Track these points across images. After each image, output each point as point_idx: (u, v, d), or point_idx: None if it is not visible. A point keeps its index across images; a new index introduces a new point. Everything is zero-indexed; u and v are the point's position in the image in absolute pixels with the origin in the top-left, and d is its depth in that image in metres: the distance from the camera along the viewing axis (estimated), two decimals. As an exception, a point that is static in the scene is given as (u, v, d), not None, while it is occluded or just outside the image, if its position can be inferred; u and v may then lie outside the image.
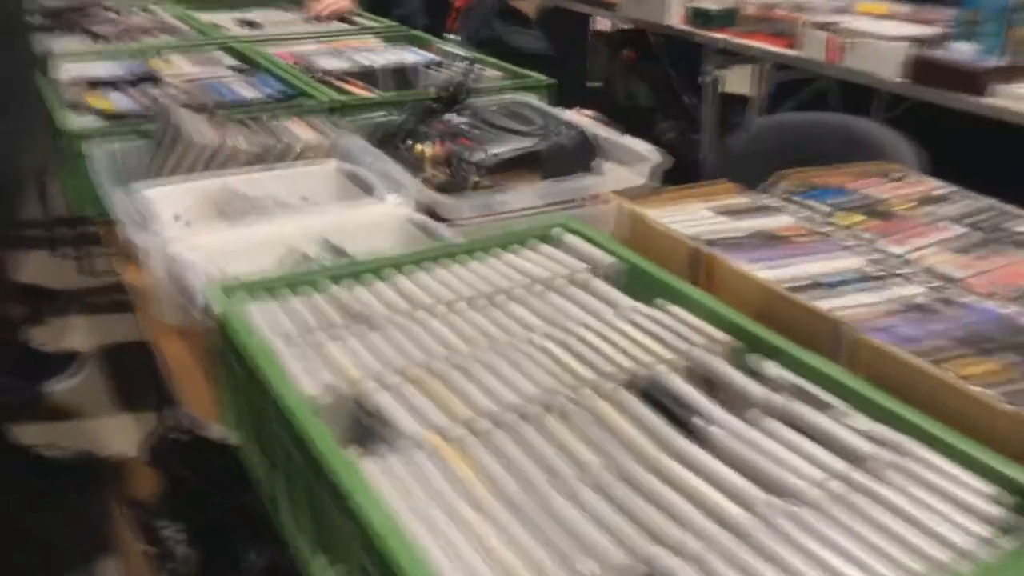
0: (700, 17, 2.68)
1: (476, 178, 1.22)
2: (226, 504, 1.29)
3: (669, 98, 3.58)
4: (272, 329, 0.76)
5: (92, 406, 2.17)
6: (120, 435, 2.01)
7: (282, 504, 0.73)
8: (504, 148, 1.29)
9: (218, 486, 1.31)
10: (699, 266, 0.89)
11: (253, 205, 1.17)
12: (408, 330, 0.76)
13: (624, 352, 0.73)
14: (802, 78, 2.56)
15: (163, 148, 1.22)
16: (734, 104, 3.16)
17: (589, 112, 1.79)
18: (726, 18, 2.66)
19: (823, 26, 2.35)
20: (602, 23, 3.82)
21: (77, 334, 2.49)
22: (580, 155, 1.28)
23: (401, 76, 1.76)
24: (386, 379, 0.69)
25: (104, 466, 1.89)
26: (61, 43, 1.92)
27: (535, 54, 2.44)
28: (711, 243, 0.91)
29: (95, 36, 2.03)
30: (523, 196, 1.19)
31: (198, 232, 1.08)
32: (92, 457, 1.93)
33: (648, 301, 0.82)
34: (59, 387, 2.21)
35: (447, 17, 2.97)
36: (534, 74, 1.67)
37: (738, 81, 3.60)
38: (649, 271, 0.86)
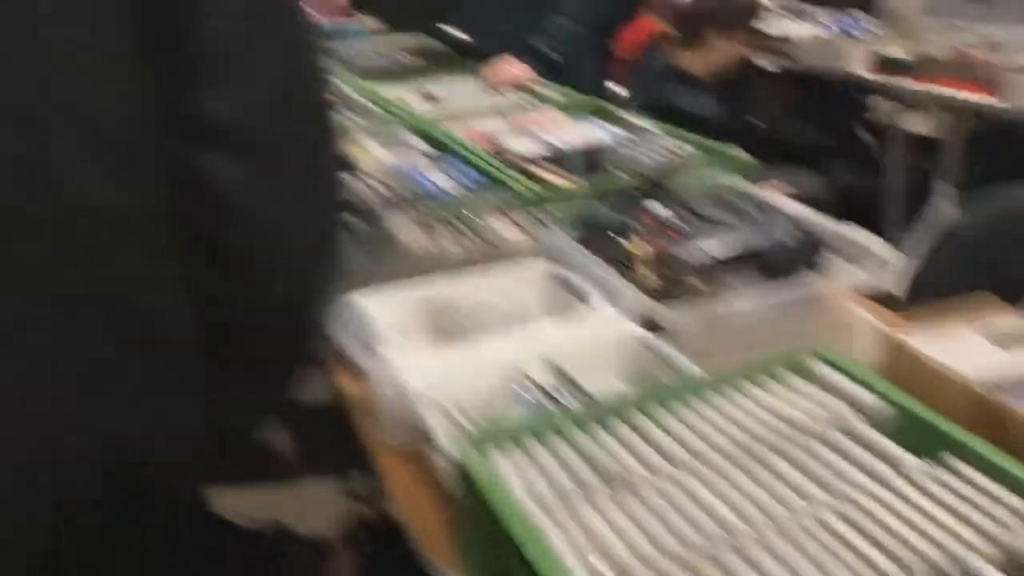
0: (892, 64, 2.53)
1: (693, 281, 1.16)
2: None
3: (841, 138, 3.40)
4: (525, 489, 0.72)
5: (282, 470, 2.22)
6: (312, 507, 2.04)
7: None
8: (719, 245, 1.22)
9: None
10: (987, 416, 0.80)
11: (466, 315, 1.15)
12: (671, 496, 0.71)
13: (925, 535, 0.64)
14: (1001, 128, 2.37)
15: (375, 254, 1.22)
16: (912, 146, 2.97)
17: (780, 184, 1.70)
18: (920, 65, 2.50)
19: (1036, 73, 2.16)
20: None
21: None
22: (803, 251, 1.20)
23: (591, 155, 1.72)
24: (660, 566, 0.64)
25: (299, 543, 1.91)
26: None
27: (709, 119, 2.36)
28: (999, 387, 0.81)
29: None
30: (747, 302, 1.12)
31: (417, 351, 1.07)
32: (286, 531, 1.96)
33: (923, 453, 0.74)
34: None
35: (606, 60, 2.93)
36: (732, 150, 1.60)
37: (918, 122, 3.40)
38: (929, 421, 0.77)
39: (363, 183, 1.57)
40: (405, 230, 1.23)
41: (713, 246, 1.23)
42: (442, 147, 1.79)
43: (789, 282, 1.16)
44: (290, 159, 0.65)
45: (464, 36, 2.89)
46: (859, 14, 2.91)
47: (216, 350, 0.65)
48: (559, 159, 1.69)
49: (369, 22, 3.19)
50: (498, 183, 1.54)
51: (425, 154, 1.76)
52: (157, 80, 0.59)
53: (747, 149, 2.51)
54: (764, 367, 0.89)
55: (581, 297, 1.12)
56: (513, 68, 2.29)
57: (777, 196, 1.39)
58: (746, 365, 0.89)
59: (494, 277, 1.20)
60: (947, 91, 2.40)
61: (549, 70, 2.32)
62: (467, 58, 2.67)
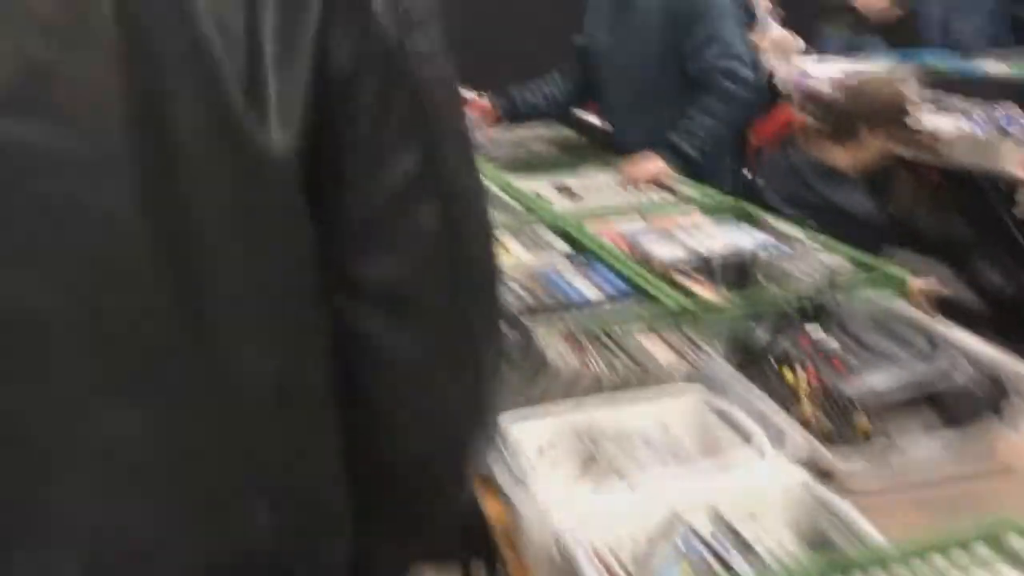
0: (1050, 166, 2.39)
1: (863, 422, 1.09)
2: None
3: (992, 233, 3.22)
4: None
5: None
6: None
7: None
8: (890, 382, 1.14)
9: None
10: None
11: (618, 444, 1.11)
12: None
13: None
14: None
15: (524, 373, 1.20)
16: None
17: (932, 283, 1.60)
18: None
19: None
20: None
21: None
22: (987, 395, 1.11)
23: (740, 265, 1.67)
24: None
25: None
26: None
27: (857, 215, 2.27)
28: None
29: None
30: (926, 451, 1.04)
31: (567, 483, 1.04)
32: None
33: None
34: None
35: (742, 149, 2.88)
36: (891, 266, 1.52)
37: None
38: None
39: (506, 287, 1.57)
40: (553, 346, 1.21)
41: (883, 382, 1.15)
42: (582, 247, 1.78)
43: (972, 430, 1.07)
44: (455, 326, 0.64)
45: (601, 124, 2.90)
46: (1015, 110, 2.77)
47: (365, 499, 0.64)
48: (706, 267, 1.65)
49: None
50: (643, 293, 1.51)
51: (566, 255, 1.74)
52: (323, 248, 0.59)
53: (892, 242, 2.41)
54: (957, 539, 0.81)
55: (744, 436, 1.07)
56: (652, 164, 2.27)
57: (948, 326, 1.30)
58: (937, 536, 0.82)
59: (647, 404, 1.16)
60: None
61: (687, 166, 2.29)
62: (603, 149, 2.67)
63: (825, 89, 3.35)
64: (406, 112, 0.58)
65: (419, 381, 0.63)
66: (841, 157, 2.36)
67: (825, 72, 3.67)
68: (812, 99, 3.38)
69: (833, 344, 1.25)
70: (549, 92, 2.74)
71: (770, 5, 3.33)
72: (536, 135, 3.00)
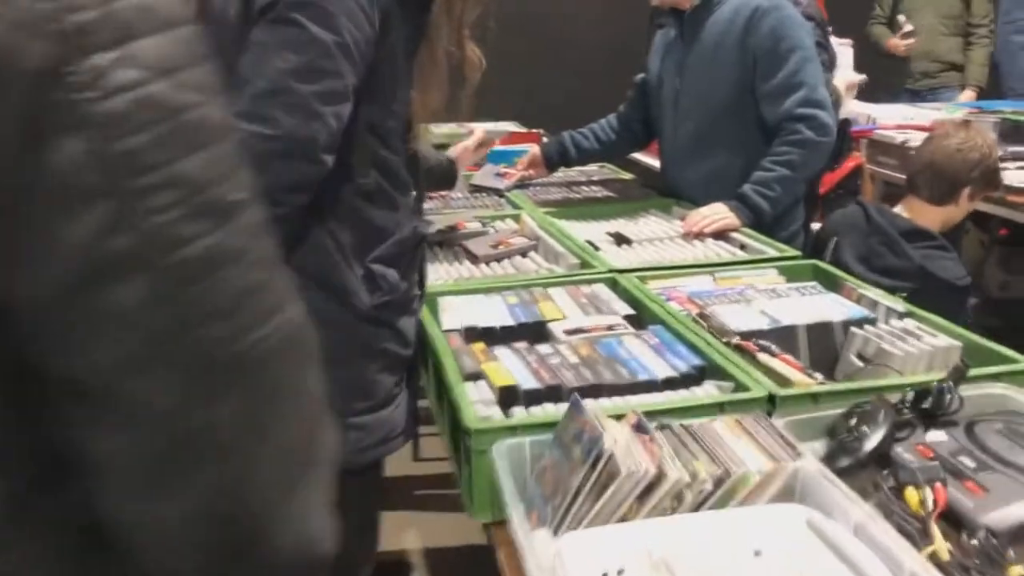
0: None
1: (1016, 570, 0.87)
2: None
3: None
4: None
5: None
6: None
7: None
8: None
9: None
10: None
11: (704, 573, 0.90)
12: None
13: None
14: None
15: (589, 481, 0.99)
16: None
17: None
18: None
19: None
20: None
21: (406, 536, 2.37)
22: None
23: (826, 340, 1.46)
24: None
25: None
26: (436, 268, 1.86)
27: (948, 281, 2.04)
28: None
29: (472, 256, 1.94)
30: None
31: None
32: None
33: None
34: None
35: (816, 199, 2.66)
36: (1018, 357, 1.29)
37: None
38: None
39: (555, 351, 1.36)
40: (630, 454, 1.00)
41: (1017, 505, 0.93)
42: (642, 308, 1.57)
43: None
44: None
45: (655, 164, 2.71)
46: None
47: None
48: (789, 342, 1.44)
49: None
50: (720, 372, 1.30)
51: (626, 317, 1.54)
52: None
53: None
54: None
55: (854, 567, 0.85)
56: (719, 215, 2.06)
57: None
58: None
59: (738, 525, 0.95)
60: None
61: (758, 220, 2.07)
62: (660, 195, 2.47)
63: (897, 139, 3.14)
64: None
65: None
66: (932, 217, 2.14)
67: (892, 117, 3.47)
68: (887, 150, 3.17)
69: (964, 458, 1.03)
70: (605, 137, 2.55)
71: (851, 44, 3.14)
72: (587, 176, 2.81)
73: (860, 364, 1.41)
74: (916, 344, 1.38)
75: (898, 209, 2.21)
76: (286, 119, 1.10)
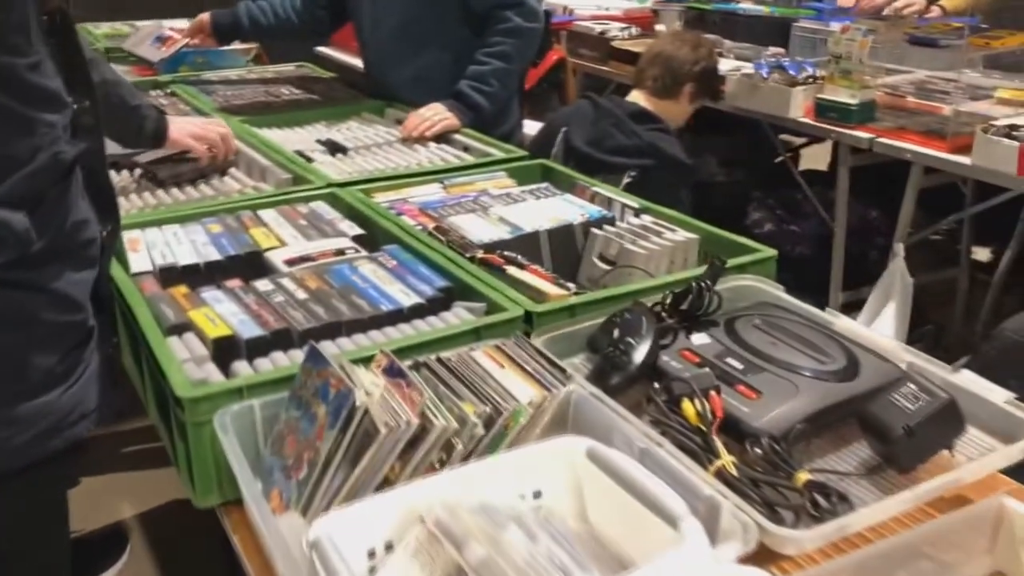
0: (834, 111, 2.31)
1: (801, 475, 0.83)
2: None
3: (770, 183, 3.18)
4: None
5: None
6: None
7: None
8: (811, 405, 0.90)
9: None
10: None
11: (484, 531, 0.77)
12: None
13: None
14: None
15: (341, 447, 0.83)
16: (810, 179, 2.80)
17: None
18: (865, 113, 2.29)
19: (1008, 133, 1.98)
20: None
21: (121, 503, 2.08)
22: (941, 427, 0.89)
23: (565, 239, 1.38)
24: None
25: None
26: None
27: (678, 158, 2.08)
28: None
29: (155, 179, 1.64)
30: (877, 512, 0.80)
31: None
32: None
33: None
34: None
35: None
36: (761, 247, 1.27)
37: (816, 156, 3.27)
38: None
39: (277, 287, 1.16)
40: (389, 409, 0.84)
41: (803, 408, 0.91)
42: (372, 225, 1.40)
43: (921, 468, 0.85)
44: None
45: (353, 61, 2.49)
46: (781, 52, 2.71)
47: None
48: (531, 248, 1.34)
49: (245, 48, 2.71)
50: (471, 291, 1.17)
51: (355, 238, 1.35)
52: None
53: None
54: None
55: (660, 513, 0.77)
56: (439, 115, 1.91)
57: (836, 316, 1.09)
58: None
59: (520, 472, 0.83)
60: (908, 145, 2.20)
61: (477, 118, 1.95)
62: (367, 96, 2.27)
63: (596, 30, 3.16)
64: None
65: None
66: (657, 110, 2.18)
67: (587, 7, 3.49)
68: (587, 41, 3.18)
69: (732, 360, 0.99)
70: (285, 15, 2.28)
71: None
72: (282, 75, 2.52)
73: (604, 267, 1.34)
74: (657, 241, 1.33)
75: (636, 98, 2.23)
76: None
